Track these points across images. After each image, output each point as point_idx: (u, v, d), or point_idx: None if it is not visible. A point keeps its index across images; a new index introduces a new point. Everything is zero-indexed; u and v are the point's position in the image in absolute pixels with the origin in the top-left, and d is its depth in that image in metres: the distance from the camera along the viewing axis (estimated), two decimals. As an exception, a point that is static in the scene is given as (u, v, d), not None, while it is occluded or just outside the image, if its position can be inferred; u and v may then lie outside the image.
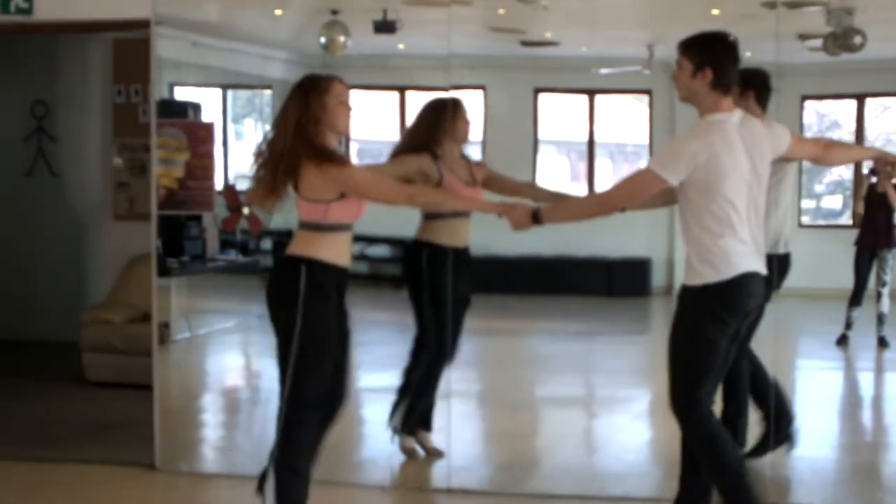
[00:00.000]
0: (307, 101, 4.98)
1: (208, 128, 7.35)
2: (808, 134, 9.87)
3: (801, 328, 9.55)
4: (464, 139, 6.58)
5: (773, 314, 6.39)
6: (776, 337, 6.74)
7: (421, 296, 6.58)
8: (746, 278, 4.88)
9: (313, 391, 4.99)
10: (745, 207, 4.86)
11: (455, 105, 6.52)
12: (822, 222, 10.32)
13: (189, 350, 8.44)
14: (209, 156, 7.12)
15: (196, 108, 8.35)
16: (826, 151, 5.58)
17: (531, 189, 6.89)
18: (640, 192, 5.07)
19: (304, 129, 4.92)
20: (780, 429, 6.41)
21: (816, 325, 9.63)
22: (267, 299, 5.05)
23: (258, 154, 5.13)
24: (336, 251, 5.01)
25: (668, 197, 5.15)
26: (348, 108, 5.05)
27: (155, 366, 6.98)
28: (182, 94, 8.74)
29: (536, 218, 5.21)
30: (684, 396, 5.02)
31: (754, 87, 5.92)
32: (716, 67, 4.91)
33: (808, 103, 9.53)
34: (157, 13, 6.55)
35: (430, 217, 6.33)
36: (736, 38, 4.97)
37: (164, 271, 7.34)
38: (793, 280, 6.90)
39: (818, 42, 7.69)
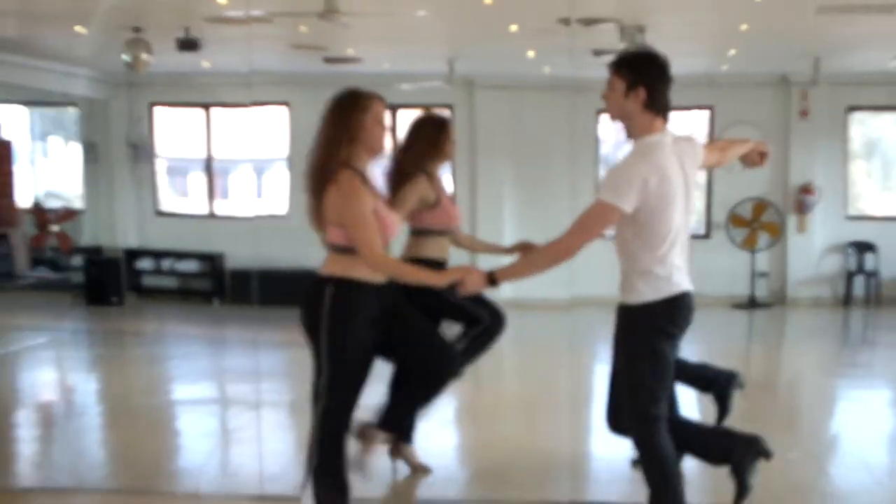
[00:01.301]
0: (345, 118, 4.68)
1: (6, 147, 7.38)
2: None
3: (599, 334, 9.10)
4: (451, 158, 6.16)
5: (569, 319, 6.22)
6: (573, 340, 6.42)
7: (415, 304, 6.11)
8: (687, 293, 4.83)
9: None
10: (682, 225, 4.80)
11: (445, 124, 6.05)
12: None
13: (2, 366, 8.38)
14: (9, 174, 7.00)
15: (-5, 127, 8.93)
16: (723, 153, 5.45)
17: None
18: (598, 228, 4.75)
19: (338, 146, 4.66)
20: (724, 386, 6.29)
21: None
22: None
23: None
24: (368, 270, 4.78)
25: None
26: (385, 128, 4.77)
27: None
28: None
29: (492, 280, 4.89)
30: (643, 413, 4.87)
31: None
32: (649, 88, 4.69)
33: (603, 116, 9.41)
34: None
35: (418, 233, 5.81)
36: (667, 59, 4.77)
37: None
38: (592, 287, 6.73)
39: (612, 57, 7.54)
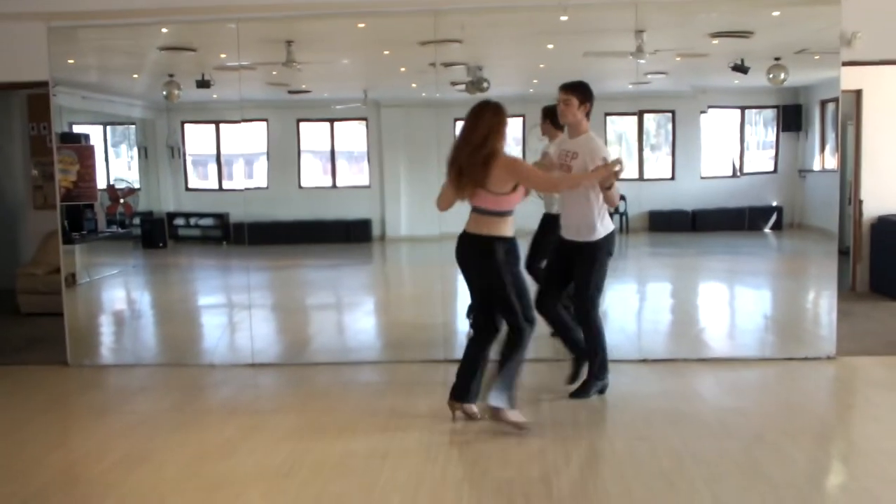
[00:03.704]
0: (498, 119, 4.87)
1: (91, 149, 8.06)
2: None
3: None
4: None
5: (440, 249, 6.97)
6: (443, 262, 7.35)
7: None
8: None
9: (521, 301, 5.01)
10: None
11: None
12: None
13: (89, 289, 8.58)
14: (92, 167, 7.59)
15: (86, 137, 8.99)
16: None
17: None
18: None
19: (496, 138, 4.84)
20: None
21: None
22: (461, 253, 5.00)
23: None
24: (511, 228, 4.97)
25: None
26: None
27: (65, 299, 7.41)
28: (77, 128, 8.86)
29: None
30: (591, 300, 5.47)
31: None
32: (591, 102, 5.36)
33: (459, 123, 9.50)
34: (53, 77, 7.09)
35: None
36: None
37: (68, 240, 7.54)
38: (455, 227, 7.45)
39: (463, 86, 8.22)
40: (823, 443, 5.00)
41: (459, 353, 5.82)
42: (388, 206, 9.89)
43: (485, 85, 8.38)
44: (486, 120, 4.87)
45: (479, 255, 4.93)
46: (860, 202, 9.65)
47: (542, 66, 8.56)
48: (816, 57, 7.29)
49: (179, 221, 10.47)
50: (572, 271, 5.60)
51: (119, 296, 9.28)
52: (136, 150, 9.85)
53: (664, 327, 7.43)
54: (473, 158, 4.82)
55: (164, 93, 8.63)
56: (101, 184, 8.15)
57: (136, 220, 9.34)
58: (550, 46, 7.99)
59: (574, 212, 5.49)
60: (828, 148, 8.68)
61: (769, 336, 7.31)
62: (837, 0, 6.58)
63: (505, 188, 4.87)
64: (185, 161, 10.03)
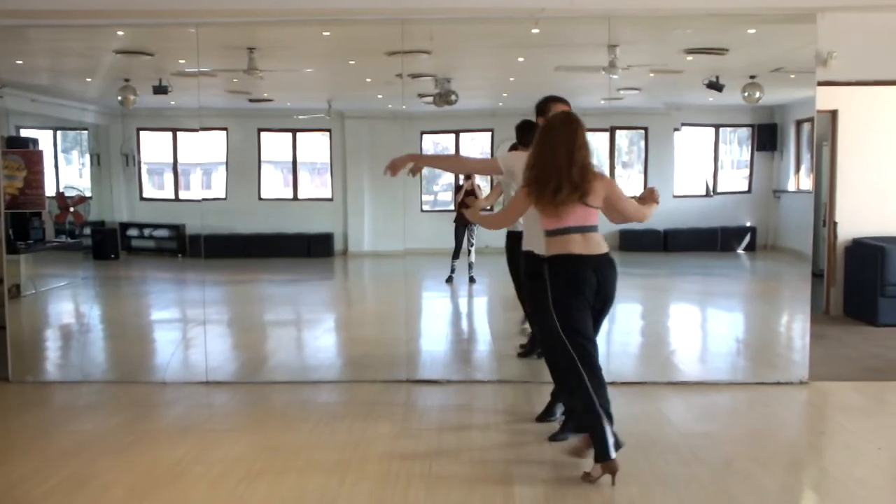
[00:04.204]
0: (581, 131, 4.70)
1: (39, 154, 7.90)
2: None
3: (424, 273, 9.66)
4: None
5: (403, 265, 7.01)
6: (407, 279, 7.32)
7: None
8: None
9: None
10: None
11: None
12: (438, 208, 10.25)
13: (34, 302, 8.57)
14: (41, 173, 7.46)
15: (35, 141, 8.79)
16: None
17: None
18: None
19: (583, 152, 4.67)
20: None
21: (435, 270, 9.59)
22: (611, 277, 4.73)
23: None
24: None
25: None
26: None
27: (7, 311, 7.33)
28: (25, 132, 8.82)
29: None
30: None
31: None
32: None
33: (426, 136, 9.60)
34: (1, 79, 7.03)
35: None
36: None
37: (13, 250, 7.55)
38: (420, 244, 7.45)
39: (430, 98, 8.25)
40: (794, 470, 5.04)
41: (423, 373, 5.80)
42: (351, 220, 9.91)
43: (453, 98, 8.45)
44: (584, 133, 4.76)
45: (615, 273, 4.79)
46: (835, 224, 9.79)
47: (512, 79, 8.69)
48: (792, 76, 7.42)
49: (133, 232, 10.51)
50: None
51: (67, 309, 9.22)
52: (88, 156, 9.75)
53: (634, 349, 7.47)
54: (584, 174, 4.62)
55: (119, 98, 8.58)
56: (49, 191, 8.01)
57: (87, 230, 9.27)
58: (521, 59, 8.05)
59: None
60: (803, 168, 8.81)
61: (741, 360, 7.38)
62: (813, 19, 6.69)
63: (598, 202, 4.77)
64: (139, 169, 10.04)
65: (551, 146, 4.70)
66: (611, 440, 4.64)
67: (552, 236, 4.68)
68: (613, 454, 4.58)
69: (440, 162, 6.92)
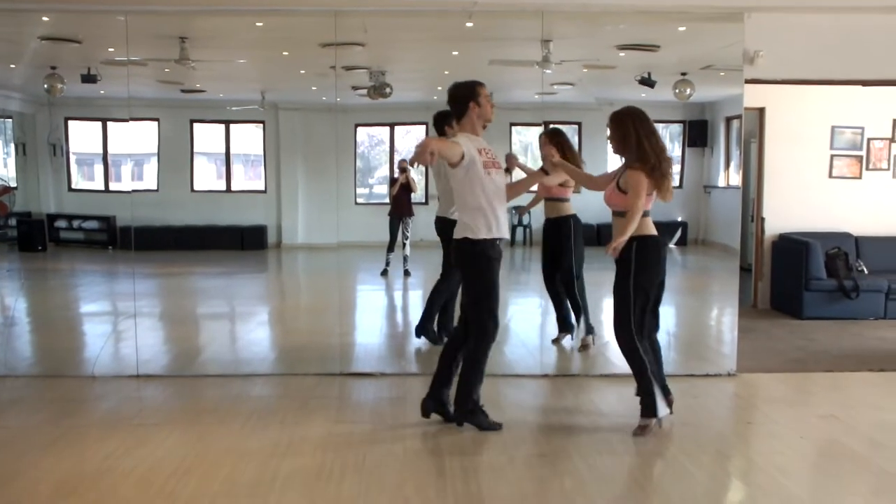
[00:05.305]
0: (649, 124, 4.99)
1: None
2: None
3: (359, 266, 10.02)
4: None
5: (337, 258, 6.95)
6: (341, 272, 7.25)
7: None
8: None
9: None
10: None
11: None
12: (373, 201, 10.44)
13: None
14: None
15: (-49, 131, 8.36)
16: None
17: None
18: None
19: (653, 143, 4.95)
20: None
21: (369, 263, 9.79)
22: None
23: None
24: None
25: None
26: None
27: None
28: None
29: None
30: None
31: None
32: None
33: (360, 129, 9.89)
34: None
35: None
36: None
37: None
38: (354, 236, 7.45)
39: (364, 91, 8.25)
40: (722, 460, 5.14)
41: (356, 366, 5.77)
42: (285, 212, 9.88)
43: (387, 90, 8.60)
44: None
45: None
46: (762, 220, 10.00)
47: (446, 72, 8.61)
48: (721, 73, 7.55)
49: (61, 224, 10.56)
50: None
51: (-12, 300, 8.80)
52: (12, 145, 9.67)
53: (566, 342, 7.53)
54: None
55: (46, 86, 8.42)
56: (-31, 182, 7.63)
57: (12, 221, 9.27)
58: (455, 53, 8.07)
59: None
60: (732, 165, 8.99)
61: (671, 353, 7.49)
62: (741, 18, 6.82)
63: None
64: (68, 159, 9.99)
65: (658, 138, 5.12)
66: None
67: (646, 217, 5.05)
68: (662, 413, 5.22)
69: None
